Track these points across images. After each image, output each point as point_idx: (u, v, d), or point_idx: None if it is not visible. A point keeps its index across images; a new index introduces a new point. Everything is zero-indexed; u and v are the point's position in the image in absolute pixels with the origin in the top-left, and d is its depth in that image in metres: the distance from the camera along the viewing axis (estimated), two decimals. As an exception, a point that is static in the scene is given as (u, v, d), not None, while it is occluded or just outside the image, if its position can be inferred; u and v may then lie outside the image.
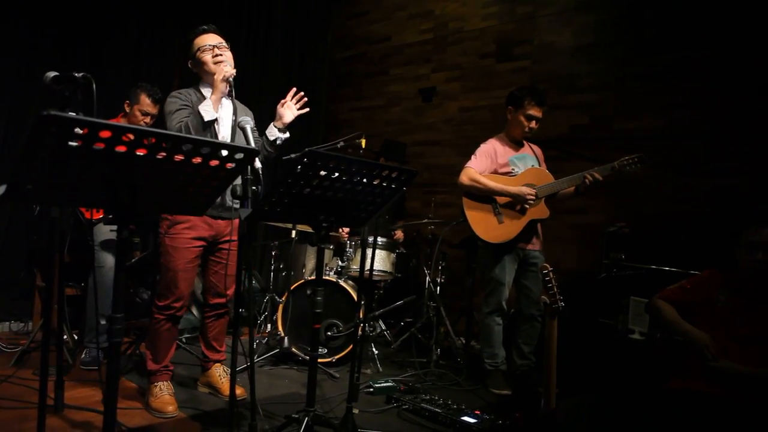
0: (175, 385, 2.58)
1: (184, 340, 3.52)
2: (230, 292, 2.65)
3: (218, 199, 2.27)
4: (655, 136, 3.76)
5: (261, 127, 2.47)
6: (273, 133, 2.48)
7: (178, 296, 2.44)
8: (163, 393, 2.45)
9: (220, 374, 2.70)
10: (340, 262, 3.75)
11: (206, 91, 2.50)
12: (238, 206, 1.94)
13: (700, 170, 3.58)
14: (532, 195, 3.05)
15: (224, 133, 2.45)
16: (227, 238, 2.55)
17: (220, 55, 2.43)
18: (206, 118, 2.31)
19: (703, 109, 3.60)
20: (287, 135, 2.52)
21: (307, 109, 2.51)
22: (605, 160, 3.08)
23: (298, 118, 2.51)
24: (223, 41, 2.49)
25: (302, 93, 2.49)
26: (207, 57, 2.44)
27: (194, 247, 2.45)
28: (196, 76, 2.56)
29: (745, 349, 2.12)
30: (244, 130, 2.11)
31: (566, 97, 4.19)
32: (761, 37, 3.39)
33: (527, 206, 3.07)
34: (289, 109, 2.46)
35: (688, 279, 2.43)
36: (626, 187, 3.73)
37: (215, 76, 2.34)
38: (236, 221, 2.62)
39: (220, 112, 2.42)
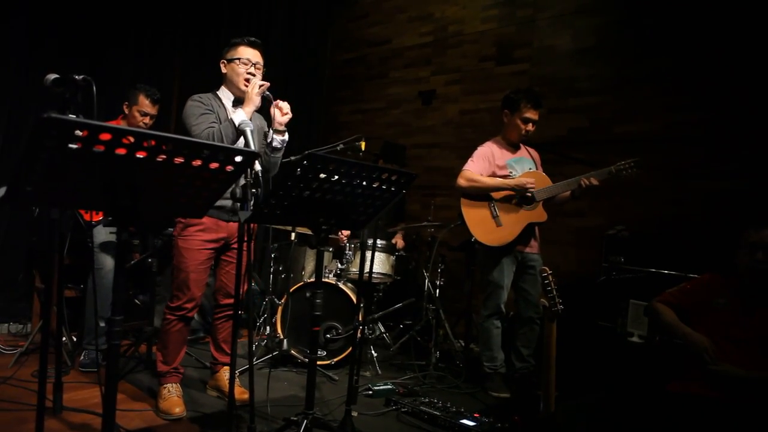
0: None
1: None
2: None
3: (231, 204, 2.29)
4: (654, 140, 3.76)
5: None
6: (269, 135, 2.47)
7: (190, 297, 2.47)
8: (172, 395, 2.47)
9: (228, 378, 2.70)
10: (339, 265, 3.76)
11: (225, 98, 2.53)
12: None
13: (700, 173, 3.58)
14: (531, 183, 3.05)
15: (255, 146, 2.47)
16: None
17: (253, 74, 2.47)
18: (246, 129, 2.31)
19: (702, 112, 3.60)
20: (285, 137, 2.48)
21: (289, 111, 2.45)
22: (604, 163, 3.09)
23: (299, 120, 2.51)
24: (261, 62, 2.53)
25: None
26: (241, 70, 2.47)
27: (206, 249, 2.48)
28: (213, 79, 2.59)
29: (743, 353, 2.12)
30: (243, 132, 2.11)
31: (566, 100, 4.20)
32: (760, 40, 3.40)
33: (528, 195, 3.07)
34: (278, 109, 2.41)
35: (687, 282, 2.43)
36: (625, 191, 3.74)
37: (249, 89, 2.36)
38: (254, 225, 2.64)
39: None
